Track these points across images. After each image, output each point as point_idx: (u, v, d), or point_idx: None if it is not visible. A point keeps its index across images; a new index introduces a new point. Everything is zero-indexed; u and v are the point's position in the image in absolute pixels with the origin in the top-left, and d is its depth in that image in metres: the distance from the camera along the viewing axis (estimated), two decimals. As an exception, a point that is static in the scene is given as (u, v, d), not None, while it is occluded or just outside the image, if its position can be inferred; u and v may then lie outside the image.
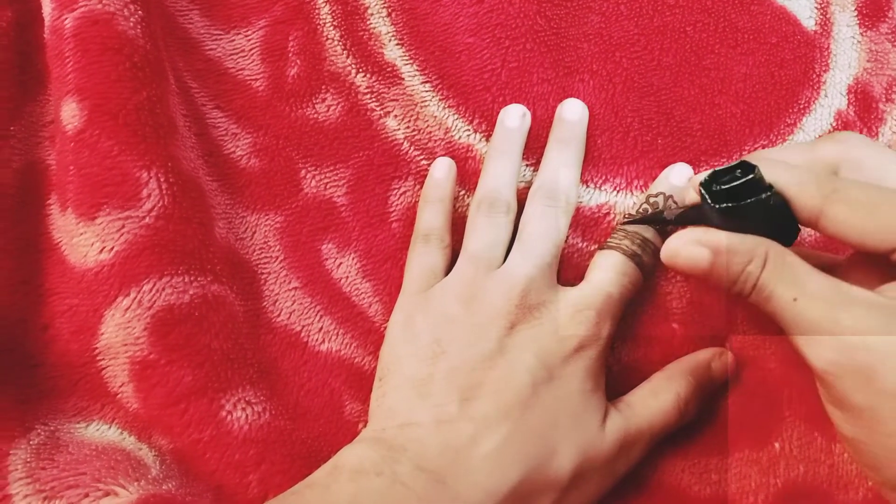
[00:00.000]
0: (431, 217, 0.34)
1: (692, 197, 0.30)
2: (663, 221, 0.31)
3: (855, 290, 0.24)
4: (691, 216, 0.29)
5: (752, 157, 0.26)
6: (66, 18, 0.32)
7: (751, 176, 0.25)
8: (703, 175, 0.26)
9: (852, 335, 0.23)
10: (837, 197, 0.25)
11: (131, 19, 0.32)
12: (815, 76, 0.37)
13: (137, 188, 0.31)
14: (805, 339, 0.25)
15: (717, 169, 0.26)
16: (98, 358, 0.32)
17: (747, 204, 0.25)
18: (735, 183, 0.26)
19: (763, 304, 0.26)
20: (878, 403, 0.23)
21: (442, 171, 0.35)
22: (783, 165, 0.26)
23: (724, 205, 0.26)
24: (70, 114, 0.31)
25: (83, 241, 0.31)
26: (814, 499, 0.31)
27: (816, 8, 0.38)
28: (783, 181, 0.26)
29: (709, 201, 0.26)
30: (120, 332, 0.31)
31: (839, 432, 0.26)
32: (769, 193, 0.25)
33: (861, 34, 0.38)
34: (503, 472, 0.28)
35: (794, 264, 0.25)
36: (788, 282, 0.25)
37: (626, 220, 0.33)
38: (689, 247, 0.26)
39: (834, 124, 0.37)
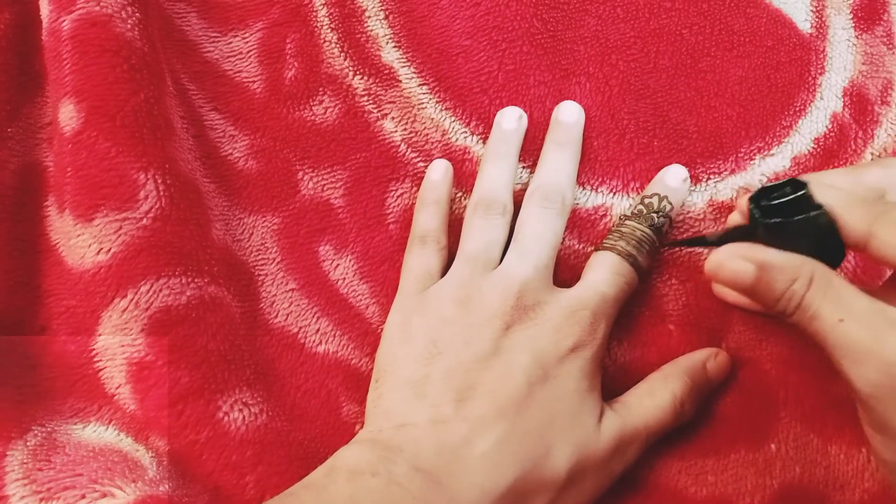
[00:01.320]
0: (428, 219, 0.34)
1: (735, 219, 0.30)
2: (705, 243, 0.31)
3: None
4: (734, 237, 0.28)
5: (798, 177, 0.26)
6: (64, 20, 0.32)
7: (802, 192, 0.25)
8: (751, 193, 0.26)
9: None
10: (886, 220, 0.25)
11: (129, 21, 0.32)
12: (810, 79, 0.38)
13: (135, 190, 0.31)
14: (849, 360, 0.24)
15: (766, 185, 0.26)
16: (95, 359, 0.32)
17: (796, 221, 0.25)
18: (785, 199, 0.25)
19: (806, 323, 0.25)
20: None
21: (438, 173, 0.35)
22: (831, 186, 0.26)
23: (774, 220, 0.25)
24: (68, 115, 0.31)
25: (81, 242, 0.31)
26: (810, 500, 0.31)
27: (812, 11, 0.39)
28: (832, 200, 0.26)
29: (757, 216, 0.26)
30: (117, 333, 0.31)
31: (878, 456, 0.26)
32: (818, 212, 0.25)
33: (856, 37, 0.39)
34: (499, 471, 0.28)
35: (840, 285, 0.25)
36: (834, 303, 0.25)
37: (667, 243, 0.33)
38: (733, 261, 0.26)
39: (829, 126, 0.37)
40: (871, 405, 0.24)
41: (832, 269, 0.26)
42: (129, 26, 0.32)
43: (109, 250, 0.31)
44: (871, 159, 0.36)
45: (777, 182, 0.26)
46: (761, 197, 0.26)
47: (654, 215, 0.33)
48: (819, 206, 0.25)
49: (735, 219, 0.30)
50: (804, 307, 0.25)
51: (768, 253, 0.26)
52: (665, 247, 0.33)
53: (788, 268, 0.25)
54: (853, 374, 0.24)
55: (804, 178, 0.26)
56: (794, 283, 0.25)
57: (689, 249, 0.35)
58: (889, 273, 0.32)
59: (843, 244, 0.26)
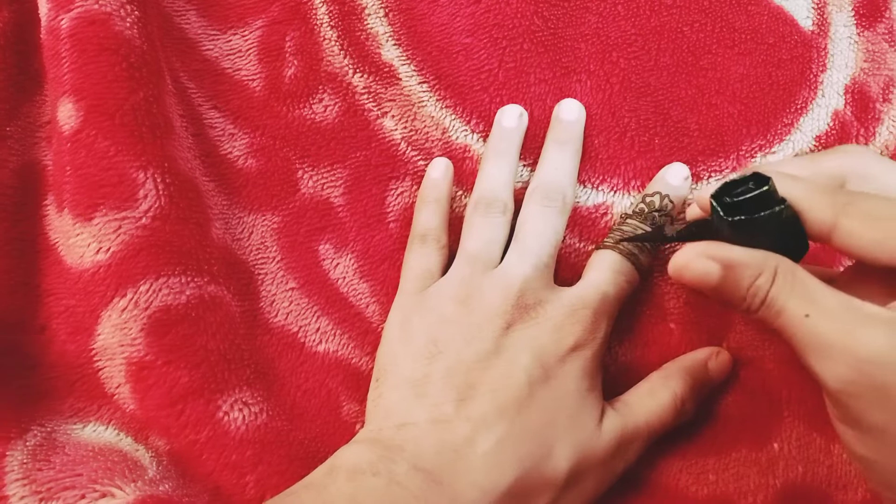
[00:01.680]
0: (428, 217, 0.34)
1: (694, 212, 0.29)
2: (664, 238, 0.30)
3: (868, 306, 0.24)
4: (693, 232, 0.28)
5: (759, 170, 0.26)
6: (63, 19, 0.32)
7: (765, 188, 0.25)
8: (712, 188, 0.26)
9: (868, 352, 0.23)
10: (850, 210, 0.24)
11: (128, 19, 0.32)
12: (812, 76, 0.37)
13: (134, 189, 0.31)
14: (817, 356, 0.24)
15: (727, 181, 0.26)
16: (95, 359, 0.32)
17: (760, 217, 0.25)
18: (748, 195, 0.25)
19: (772, 319, 0.25)
20: (895, 422, 0.23)
21: (439, 171, 0.35)
22: (793, 178, 0.26)
23: (737, 217, 0.25)
24: (66, 114, 0.31)
25: (80, 241, 0.31)
26: (813, 499, 0.31)
27: (814, 8, 0.38)
28: (794, 194, 0.25)
29: (721, 213, 0.25)
30: (117, 332, 0.31)
31: (851, 452, 0.25)
32: (782, 207, 0.25)
33: (858, 34, 0.38)
34: (500, 471, 0.28)
35: (805, 280, 0.25)
36: (800, 297, 0.24)
37: (623, 238, 0.33)
38: (697, 260, 0.26)
39: (831, 124, 0.37)
40: (843, 401, 0.24)
41: (796, 261, 0.25)
42: (127, 24, 0.32)
43: (109, 249, 0.31)
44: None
45: (738, 176, 0.25)
46: (723, 193, 0.25)
47: (656, 214, 0.33)
48: (783, 201, 0.25)
49: (694, 212, 0.29)
50: (769, 303, 0.25)
51: (732, 250, 0.25)
52: (625, 241, 0.32)
53: (752, 264, 0.25)
54: (822, 369, 0.24)
55: (765, 171, 0.26)
56: (758, 279, 0.25)
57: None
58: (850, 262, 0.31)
59: (807, 237, 0.25)
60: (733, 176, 0.26)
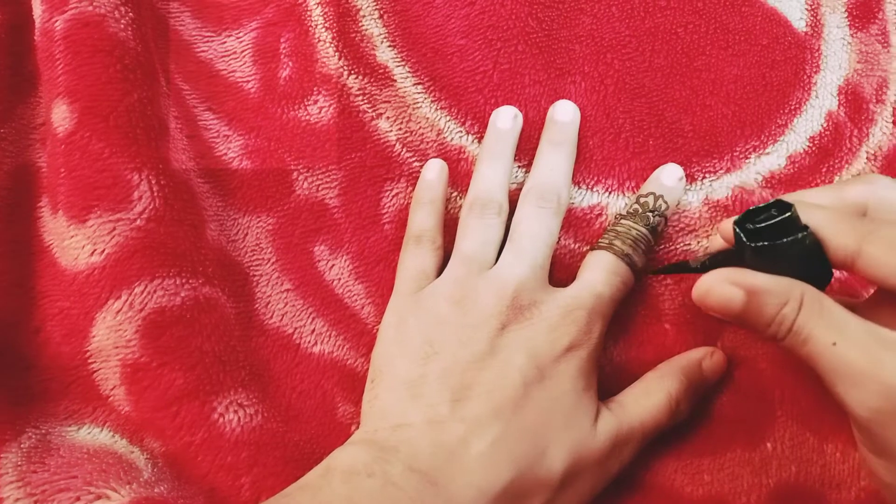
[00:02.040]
0: (423, 218, 0.34)
1: (717, 243, 0.30)
2: (689, 270, 0.30)
3: (894, 334, 0.24)
4: (718, 262, 0.28)
5: (782, 198, 0.26)
6: (57, 20, 0.32)
7: (787, 214, 0.25)
8: (734, 218, 0.26)
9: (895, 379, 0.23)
10: (874, 238, 0.24)
11: (122, 21, 0.32)
12: (805, 77, 0.38)
13: (128, 190, 0.31)
14: (844, 384, 0.24)
15: (751, 208, 0.26)
16: (89, 361, 0.32)
17: (784, 243, 0.25)
18: (771, 221, 0.25)
19: (798, 347, 0.25)
20: None
21: (434, 172, 0.35)
22: (815, 206, 0.26)
23: (761, 244, 0.25)
24: (61, 116, 0.31)
25: (74, 243, 0.31)
26: (806, 499, 0.31)
27: (807, 9, 0.39)
28: (817, 221, 0.25)
29: (744, 240, 0.25)
30: (111, 334, 0.31)
31: (879, 480, 0.25)
32: (805, 233, 0.25)
33: (851, 35, 0.39)
34: (495, 471, 0.28)
35: (831, 308, 0.25)
36: (827, 326, 0.24)
37: (651, 270, 0.33)
38: (721, 286, 0.26)
39: (825, 125, 0.37)
40: (871, 429, 0.24)
41: (820, 289, 0.25)
42: (122, 26, 0.32)
43: (103, 251, 0.31)
44: (853, 175, 0.36)
45: (761, 205, 0.26)
46: (746, 220, 0.26)
47: (650, 214, 0.33)
48: (805, 228, 0.25)
49: (717, 242, 0.30)
50: (796, 331, 0.25)
51: (757, 277, 0.25)
52: (649, 274, 0.33)
53: (778, 291, 0.25)
54: (849, 398, 0.24)
55: (788, 198, 0.26)
56: (784, 307, 0.25)
57: (684, 249, 0.35)
58: (873, 290, 0.31)
59: (830, 264, 0.26)
60: (757, 204, 0.26)
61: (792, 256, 0.25)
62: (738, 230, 0.26)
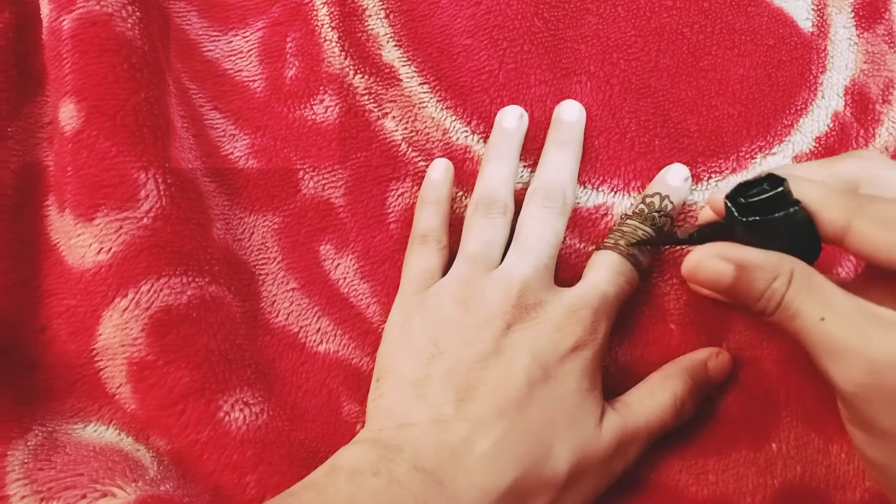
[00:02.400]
0: (429, 218, 0.34)
1: (707, 215, 0.29)
2: (675, 241, 0.30)
3: (883, 310, 0.24)
4: (706, 234, 0.28)
5: (774, 172, 0.26)
6: (64, 20, 0.32)
7: (780, 189, 0.25)
8: (726, 189, 0.26)
9: (882, 356, 0.23)
10: (864, 213, 0.24)
11: (129, 20, 0.32)
12: (812, 77, 0.38)
13: (135, 189, 0.31)
14: (831, 359, 0.24)
15: (741, 182, 0.26)
16: (96, 359, 0.32)
17: (775, 218, 0.25)
18: (763, 196, 0.25)
19: (787, 322, 0.25)
20: None
21: (439, 171, 0.35)
22: (807, 180, 0.26)
23: (752, 218, 0.25)
24: (68, 115, 0.31)
25: (81, 241, 0.31)
26: (811, 499, 0.31)
27: (813, 9, 0.39)
28: (809, 196, 0.25)
29: (735, 214, 0.25)
30: (118, 332, 0.31)
31: (862, 455, 0.25)
32: (797, 208, 0.25)
33: (858, 35, 0.38)
34: (499, 471, 0.28)
35: (820, 283, 0.25)
36: (815, 300, 0.24)
37: (632, 241, 0.33)
38: (711, 261, 0.26)
39: (831, 125, 0.37)
40: (856, 404, 0.24)
41: (809, 263, 0.25)
42: (129, 25, 0.32)
43: (110, 250, 0.31)
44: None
45: (753, 178, 0.25)
46: (738, 194, 0.25)
47: (656, 214, 0.33)
48: (797, 202, 0.25)
49: (706, 214, 0.29)
50: (785, 306, 0.25)
51: (747, 252, 0.25)
52: (633, 245, 0.32)
53: (768, 266, 0.25)
54: (835, 373, 0.24)
55: (780, 172, 0.26)
56: (774, 282, 0.25)
57: (689, 248, 0.35)
58: (863, 266, 0.31)
59: (820, 239, 0.25)
60: (748, 177, 0.26)
61: (782, 231, 0.25)
62: (729, 204, 0.25)
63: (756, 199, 0.25)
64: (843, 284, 0.26)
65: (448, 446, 0.28)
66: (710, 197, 0.27)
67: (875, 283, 0.26)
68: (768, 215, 0.25)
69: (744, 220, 0.25)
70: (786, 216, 0.25)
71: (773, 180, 0.25)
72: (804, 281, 0.25)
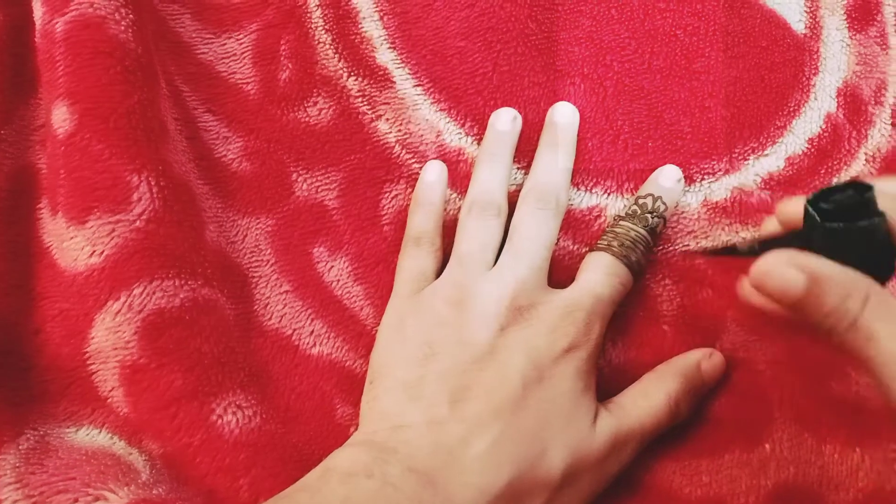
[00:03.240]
0: (422, 220, 0.34)
1: (771, 226, 0.28)
2: (735, 253, 0.28)
3: None
4: (769, 247, 0.26)
5: (860, 179, 0.24)
6: (58, 22, 0.32)
7: (867, 194, 0.23)
8: (790, 206, 0.24)
9: None
10: None
11: (122, 23, 0.32)
12: (804, 79, 0.38)
13: (128, 192, 0.31)
14: None
15: (824, 188, 0.24)
16: (88, 362, 0.32)
17: (860, 227, 0.23)
18: (850, 200, 0.23)
19: (860, 344, 0.23)
20: None
21: (433, 174, 0.35)
22: (889, 194, 0.24)
23: (836, 224, 0.23)
24: (61, 117, 0.31)
25: (74, 244, 0.31)
26: (804, 500, 0.31)
27: (806, 11, 0.39)
28: (891, 208, 0.24)
29: (817, 219, 0.23)
30: (110, 336, 0.31)
31: None
32: (880, 219, 0.23)
33: (850, 37, 0.39)
34: (494, 472, 0.28)
35: None
36: (894, 325, 0.23)
37: (705, 250, 0.31)
38: (783, 269, 0.24)
39: (823, 127, 0.37)
40: None
41: (881, 283, 0.24)
42: (122, 28, 0.32)
43: (102, 253, 0.31)
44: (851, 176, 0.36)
45: (836, 184, 0.24)
46: (819, 199, 0.24)
47: (649, 216, 0.33)
48: (881, 213, 0.23)
49: (769, 227, 0.28)
50: (859, 327, 0.23)
51: (822, 263, 0.24)
52: (705, 251, 0.31)
53: (843, 282, 0.23)
54: None
55: (867, 181, 0.24)
56: (847, 300, 0.23)
57: (684, 248, 0.35)
58: None
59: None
60: (833, 182, 0.24)
61: (861, 244, 0.23)
62: (810, 209, 0.24)
63: (842, 201, 0.23)
64: None
65: (443, 447, 0.28)
66: (779, 206, 0.26)
67: None
68: (852, 223, 0.23)
69: (826, 225, 0.23)
70: (870, 226, 0.23)
71: (859, 186, 0.23)
72: (881, 303, 0.23)
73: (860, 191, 0.23)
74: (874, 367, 0.24)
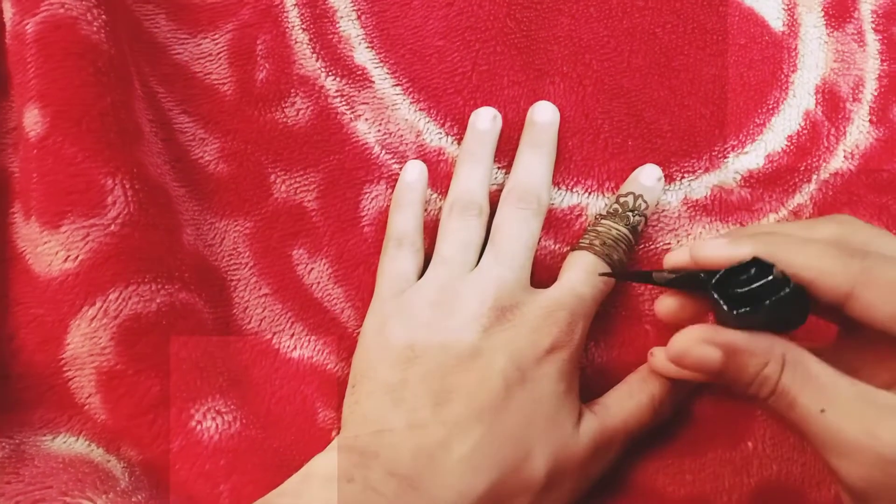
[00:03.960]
0: (403, 221, 0.34)
1: (682, 258, 0.27)
2: (652, 282, 0.29)
3: (885, 396, 0.23)
4: (682, 282, 0.27)
5: (760, 240, 0.25)
6: (28, 23, 0.31)
7: (769, 278, 0.24)
8: (703, 251, 0.25)
9: (891, 451, 0.22)
10: (868, 278, 0.23)
11: (95, 24, 0.32)
12: (783, 76, 0.38)
13: (102, 195, 0.30)
14: (836, 454, 0.23)
15: (729, 268, 0.24)
16: (64, 369, 0.31)
17: (767, 305, 0.24)
18: (754, 286, 0.24)
19: (784, 411, 0.24)
20: None
21: (413, 174, 0.35)
22: (799, 243, 0.24)
23: (744, 310, 0.24)
24: (32, 120, 0.31)
25: (47, 249, 0.31)
26: (787, 497, 0.32)
27: (784, 9, 0.39)
28: (801, 261, 0.24)
29: (725, 307, 0.24)
30: (86, 342, 0.30)
31: None
32: (787, 290, 0.24)
33: (828, 35, 0.39)
34: (477, 474, 0.27)
35: (816, 371, 0.24)
36: (813, 390, 0.23)
37: (611, 274, 0.32)
38: (697, 347, 0.25)
39: (802, 124, 0.37)
40: (865, 500, 0.23)
41: (794, 329, 0.25)
42: (94, 28, 0.32)
43: (77, 258, 0.30)
44: (814, 191, 0.36)
45: (738, 265, 0.24)
46: (724, 283, 0.24)
47: (630, 214, 0.33)
48: (787, 282, 0.24)
49: (675, 258, 0.28)
50: (780, 393, 0.24)
51: (734, 336, 0.24)
52: (613, 277, 0.32)
53: (758, 351, 0.24)
54: (842, 468, 0.23)
55: (765, 245, 0.25)
56: (765, 368, 0.24)
57: (665, 246, 0.35)
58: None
59: (808, 306, 0.24)
60: (732, 264, 0.24)
61: (772, 314, 0.24)
62: (716, 296, 0.24)
63: (745, 289, 0.24)
64: (824, 348, 0.25)
65: (425, 451, 0.28)
66: (693, 245, 0.26)
67: (857, 342, 0.26)
68: (758, 302, 0.24)
69: (734, 312, 0.24)
70: (777, 300, 0.24)
71: (760, 266, 0.24)
72: (798, 367, 0.24)
73: (763, 271, 0.24)
74: (802, 432, 0.24)
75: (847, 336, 0.27)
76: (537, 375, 0.30)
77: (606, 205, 0.35)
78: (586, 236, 0.33)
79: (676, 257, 0.28)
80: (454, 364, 0.30)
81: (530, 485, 0.28)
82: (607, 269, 0.32)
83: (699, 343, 0.25)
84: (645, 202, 0.34)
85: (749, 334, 0.24)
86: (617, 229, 0.33)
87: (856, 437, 0.22)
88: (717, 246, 0.25)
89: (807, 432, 0.24)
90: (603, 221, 0.34)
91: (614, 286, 0.33)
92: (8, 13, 0.32)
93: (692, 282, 0.26)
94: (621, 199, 0.34)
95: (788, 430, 0.25)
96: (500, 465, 0.28)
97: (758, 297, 0.24)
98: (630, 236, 0.33)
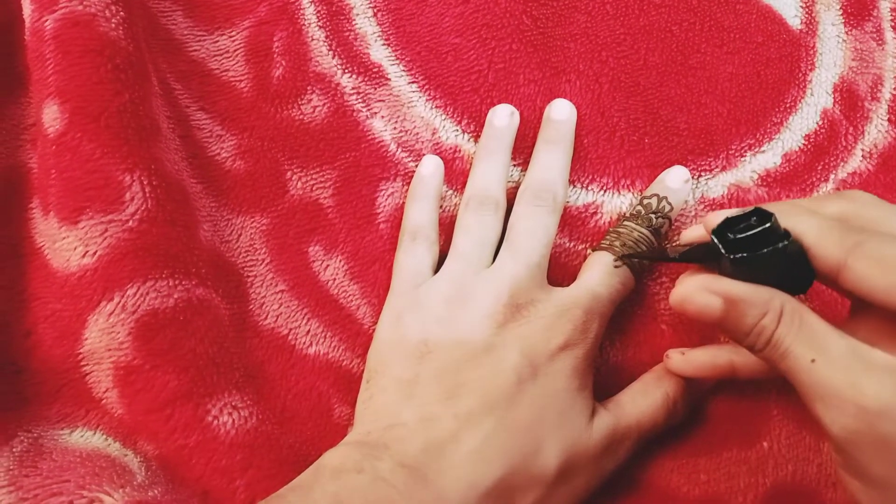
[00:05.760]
0: (419, 214, 0.34)
1: (696, 233, 0.29)
2: (666, 258, 0.30)
3: (877, 353, 0.23)
4: (696, 255, 0.28)
5: (768, 205, 0.25)
6: (47, 20, 0.31)
7: (767, 225, 0.24)
8: (716, 219, 0.25)
9: (873, 404, 0.22)
10: (862, 251, 0.24)
11: (113, 20, 0.32)
12: (800, 75, 0.38)
13: (120, 191, 0.31)
14: (822, 404, 0.23)
15: (729, 216, 0.25)
16: (82, 363, 0.31)
17: (763, 254, 0.24)
18: (751, 232, 0.24)
19: (776, 361, 0.25)
20: None
21: (429, 168, 0.35)
22: (801, 212, 0.25)
23: (739, 255, 0.25)
24: (51, 116, 0.31)
25: (66, 245, 0.31)
26: (802, 497, 0.31)
27: (802, 6, 0.39)
28: (801, 229, 0.25)
29: (722, 250, 0.25)
30: (104, 337, 0.31)
31: (856, 501, 0.24)
32: (786, 243, 0.24)
33: (846, 33, 0.38)
34: (487, 466, 0.27)
35: (812, 322, 0.24)
36: (806, 341, 0.24)
37: (625, 255, 0.32)
38: (700, 294, 0.25)
39: (820, 122, 0.37)
40: (848, 451, 0.23)
41: (803, 291, 0.25)
42: (112, 25, 0.32)
43: (95, 253, 0.30)
44: (832, 190, 0.36)
45: (741, 212, 0.25)
46: (725, 229, 0.25)
47: (653, 216, 0.33)
48: (786, 236, 0.25)
49: (696, 233, 0.29)
50: (774, 343, 0.24)
51: (735, 285, 0.25)
52: (621, 259, 0.32)
53: (757, 301, 0.24)
54: (827, 418, 0.23)
55: (769, 207, 0.25)
56: (763, 318, 0.24)
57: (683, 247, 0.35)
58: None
59: (813, 271, 0.25)
60: (735, 212, 0.25)
61: (772, 265, 0.25)
62: (715, 240, 0.25)
63: (742, 235, 0.25)
64: (838, 320, 0.25)
65: (435, 443, 0.28)
66: (706, 218, 0.27)
67: (867, 320, 0.26)
68: (756, 251, 0.24)
69: (731, 256, 0.25)
70: (774, 251, 0.24)
71: (760, 214, 0.25)
72: (794, 319, 0.24)
73: (762, 219, 0.25)
74: (793, 381, 0.24)
75: (859, 312, 0.27)
76: (550, 371, 0.30)
77: (631, 205, 0.35)
78: (608, 237, 0.33)
79: (692, 233, 0.29)
80: (467, 360, 0.30)
81: (541, 478, 0.28)
82: (626, 271, 0.32)
83: (701, 290, 0.25)
84: (669, 204, 0.34)
85: (750, 286, 0.25)
86: (639, 231, 0.33)
87: (842, 388, 0.23)
88: (728, 213, 0.26)
89: (795, 380, 0.24)
90: (625, 223, 0.33)
91: (634, 285, 0.33)
92: (27, 10, 0.32)
93: (705, 253, 0.27)
94: (645, 201, 0.34)
95: (775, 372, 0.26)
96: (510, 457, 0.28)
97: (755, 244, 0.24)
98: (652, 238, 0.33)
